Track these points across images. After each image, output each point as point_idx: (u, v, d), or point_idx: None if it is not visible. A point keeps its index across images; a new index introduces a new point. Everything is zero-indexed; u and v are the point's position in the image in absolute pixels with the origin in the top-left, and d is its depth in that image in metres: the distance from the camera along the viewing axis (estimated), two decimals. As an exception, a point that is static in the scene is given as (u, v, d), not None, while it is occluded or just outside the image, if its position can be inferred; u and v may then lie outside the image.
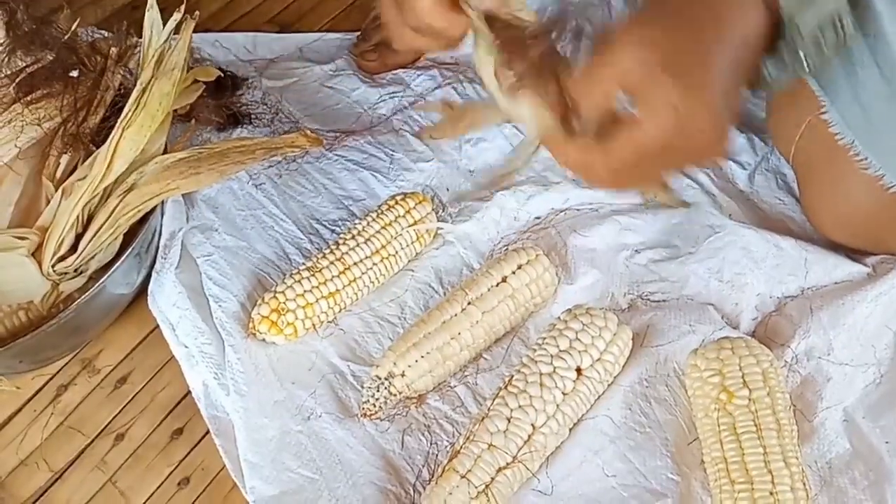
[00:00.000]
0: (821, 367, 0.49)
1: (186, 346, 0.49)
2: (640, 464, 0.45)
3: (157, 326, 0.51)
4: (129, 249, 0.47)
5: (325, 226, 0.57)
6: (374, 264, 0.52)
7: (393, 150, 0.61)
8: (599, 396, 0.48)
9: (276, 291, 0.50)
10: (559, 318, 0.49)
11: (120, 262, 0.47)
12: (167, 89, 0.47)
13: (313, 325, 0.50)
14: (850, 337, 0.50)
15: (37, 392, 0.50)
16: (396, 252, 0.53)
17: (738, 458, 0.43)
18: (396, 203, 0.54)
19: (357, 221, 0.54)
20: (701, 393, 0.47)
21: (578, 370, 0.46)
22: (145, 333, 0.52)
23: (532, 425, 0.44)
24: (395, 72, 0.66)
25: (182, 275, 0.51)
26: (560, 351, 0.46)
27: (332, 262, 0.51)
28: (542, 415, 0.44)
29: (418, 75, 0.65)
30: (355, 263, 0.51)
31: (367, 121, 0.63)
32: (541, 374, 0.45)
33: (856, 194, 0.50)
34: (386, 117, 0.63)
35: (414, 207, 0.54)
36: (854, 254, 0.54)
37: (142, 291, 0.52)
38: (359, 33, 0.68)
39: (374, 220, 0.53)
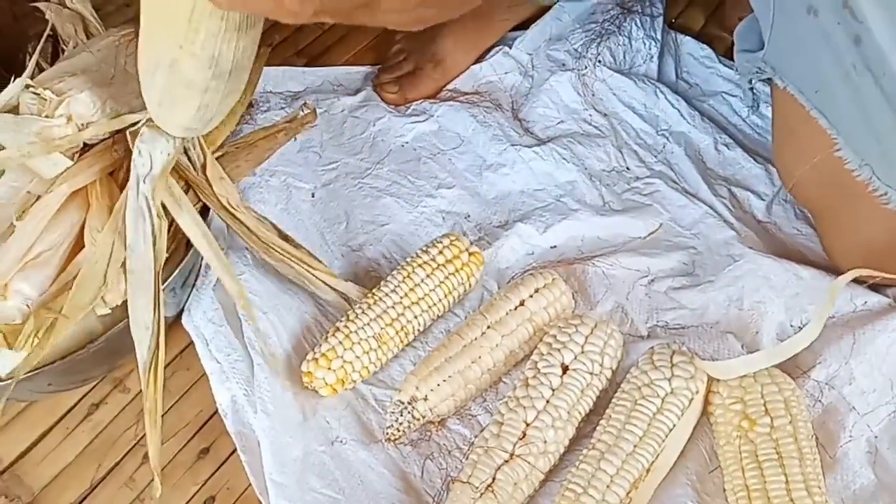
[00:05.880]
0: (843, 396, 0.49)
1: (219, 362, 0.50)
2: (662, 492, 0.46)
3: (186, 348, 0.53)
4: (174, 274, 0.49)
5: (350, 248, 0.59)
6: (427, 319, 0.53)
7: (416, 177, 0.63)
8: (604, 389, 0.49)
9: (343, 360, 0.49)
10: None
11: (166, 285, 0.48)
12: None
13: (360, 376, 0.50)
14: (871, 367, 0.50)
15: (70, 409, 0.52)
16: (448, 307, 0.54)
17: (760, 486, 0.43)
18: (448, 262, 0.53)
19: (412, 274, 0.52)
20: (723, 420, 0.47)
21: (564, 367, 0.47)
22: (174, 354, 0.54)
23: (524, 422, 0.45)
24: (418, 102, 0.68)
25: (220, 292, 0.52)
26: (542, 356, 0.48)
27: (396, 331, 0.50)
28: (532, 411, 0.46)
29: (440, 105, 0.67)
30: (410, 321, 0.51)
31: (391, 148, 0.65)
32: (526, 379, 0.47)
33: (877, 234, 0.49)
34: (409, 145, 0.65)
35: (466, 263, 0.53)
36: (875, 284, 0.54)
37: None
38: (380, 66, 0.70)
39: (429, 275, 0.52)
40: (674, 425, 0.46)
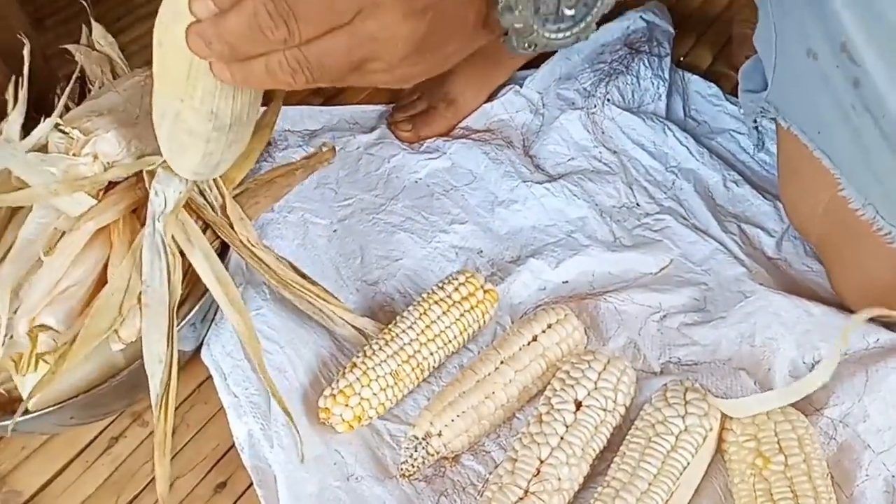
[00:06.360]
0: (858, 434, 0.49)
1: (236, 396, 0.50)
2: (676, 530, 0.45)
3: (205, 382, 0.53)
4: (195, 309, 0.50)
5: (365, 283, 0.60)
6: (442, 356, 0.53)
7: (429, 213, 0.64)
8: (618, 426, 0.49)
9: (361, 397, 0.49)
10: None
11: (186, 320, 0.49)
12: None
13: (377, 412, 0.51)
14: (886, 404, 0.49)
15: (90, 443, 0.52)
16: (462, 344, 0.54)
17: (776, 525, 0.43)
18: (464, 299, 0.54)
19: (429, 311, 0.52)
20: (737, 458, 0.47)
21: (578, 403, 0.48)
22: (193, 388, 0.55)
23: (538, 459, 0.46)
24: (431, 139, 0.69)
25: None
26: (556, 391, 0.48)
27: (412, 368, 0.51)
28: (546, 447, 0.46)
29: (453, 143, 0.69)
30: (426, 358, 0.52)
31: (405, 185, 0.66)
32: (540, 415, 0.47)
33: (882, 271, 0.50)
34: (422, 181, 0.67)
35: (482, 301, 0.54)
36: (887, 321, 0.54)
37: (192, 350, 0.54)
38: (394, 105, 0.72)
39: (445, 312, 0.53)
40: (688, 463, 0.46)
